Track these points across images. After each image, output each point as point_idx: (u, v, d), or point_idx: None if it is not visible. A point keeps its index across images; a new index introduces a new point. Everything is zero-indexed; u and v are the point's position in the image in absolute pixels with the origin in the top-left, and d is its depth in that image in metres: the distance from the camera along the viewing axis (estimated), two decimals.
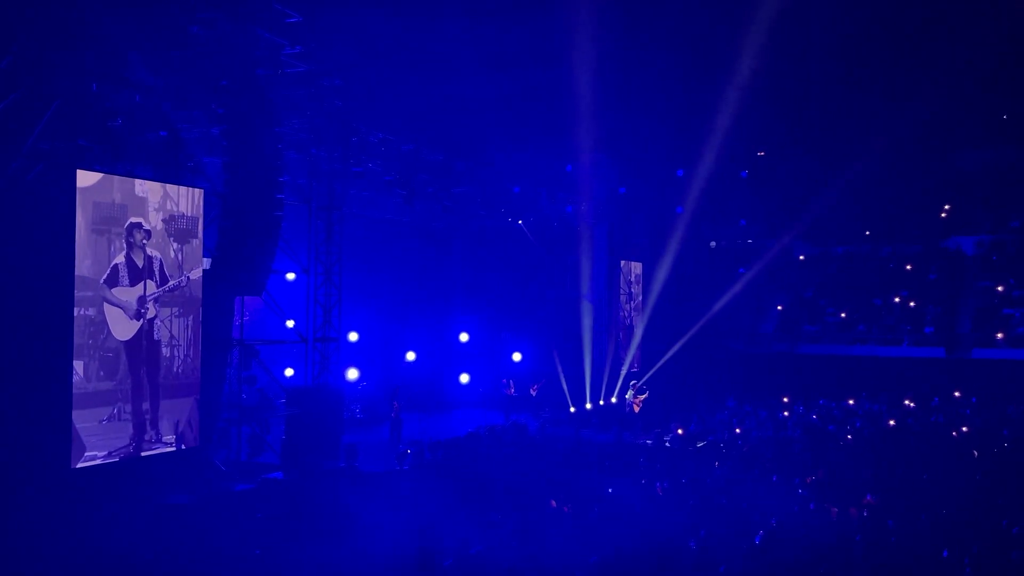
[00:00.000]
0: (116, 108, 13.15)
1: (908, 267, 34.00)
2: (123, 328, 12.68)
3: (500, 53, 23.46)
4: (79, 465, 12.01)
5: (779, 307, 33.67)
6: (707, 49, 27.28)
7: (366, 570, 11.43)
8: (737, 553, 11.58)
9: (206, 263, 14.34)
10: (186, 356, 13.81)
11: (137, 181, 12.99)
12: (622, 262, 29.08)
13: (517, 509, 13.82)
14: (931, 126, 31.15)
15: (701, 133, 28.80)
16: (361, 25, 18.90)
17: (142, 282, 12.96)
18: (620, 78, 26.81)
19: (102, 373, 12.36)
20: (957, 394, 26.83)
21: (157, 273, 13.23)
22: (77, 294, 11.95)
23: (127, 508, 12.24)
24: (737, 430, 22.12)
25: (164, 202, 13.36)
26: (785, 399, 26.51)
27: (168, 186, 13.49)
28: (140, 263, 12.93)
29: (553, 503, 14.26)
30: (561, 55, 24.47)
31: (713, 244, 32.65)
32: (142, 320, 12.98)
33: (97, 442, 12.27)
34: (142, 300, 12.96)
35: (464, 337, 28.87)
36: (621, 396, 26.74)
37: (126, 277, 12.69)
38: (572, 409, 25.92)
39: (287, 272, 19.77)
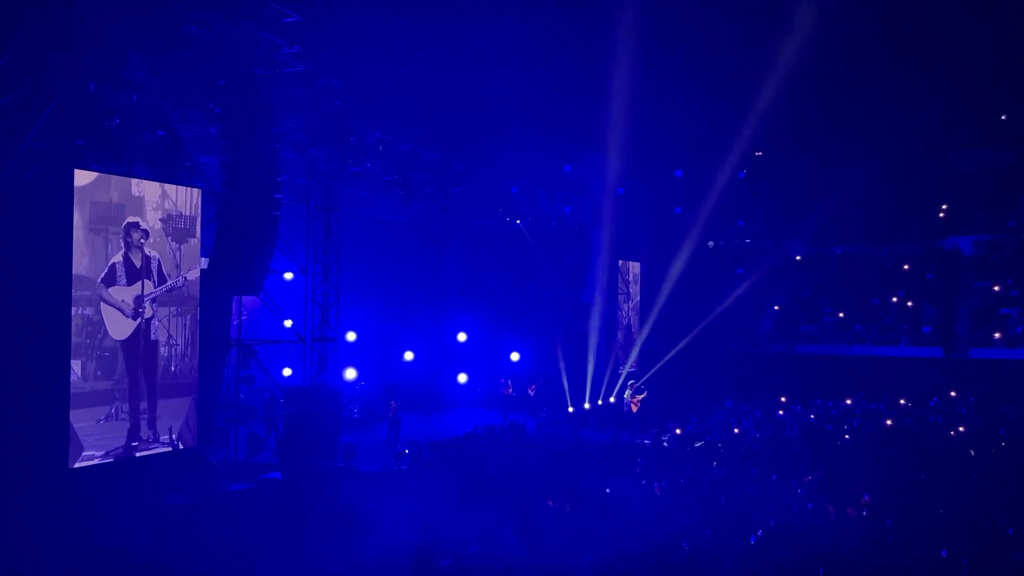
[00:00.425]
0: (114, 108, 13.13)
1: (906, 267, 34.04)
2: (120, 328, 12.67)
3: (499, 53, 23.45)
4: (77, 465, 12.00)
5: (776, 307, 33.69)
6: (706, 49, 27.26)
7: (364, 570, 11.43)
8: (734, 553, 11.58)
9: (204, 263, 14.33)
10: (184, 356, 13.79)
11: (134, 180, 12.98)
12: (620, 262, 29.09)
13: (515, 509, 13.82)
14: (929, 126, 31.15)
15: (700, 133, 28.84)
16: (359, 25, 18.88)
17: (140, 282, 12.95)
18: (618, 77, 26.81)
19: (99, 373, 12.35)
20: (953, 394, 26.87)
21: (155, 273, 13.22)
22: (75, 293, 11.94)
23: (125, 508, 12.22)
24: (735, 430, 22.13)
25: (162, 201, 13.35)
26: (783, 399, 26.53)
27: (166, 186, 13.47)
28: (138, 263, 12.92)
29: (551, 503, 14.26)
30: (560, 55, 24.49)
31: (711, 244, 32.65)
32: (139, 320, 12.97)
33: (95, 442, 12.25)
34: (139, 300, 12.95)
35: (462, 337, 28.86)
36: (619, 396, 26.75)
37: (123, 276, 12.67)
38: (571, 409, 25.92)
39: (285, 272, 19.78)
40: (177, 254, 13.62)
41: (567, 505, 14.20)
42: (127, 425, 12.76)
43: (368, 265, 24.89)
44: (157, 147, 14.49)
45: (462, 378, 27.77)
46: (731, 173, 30.68)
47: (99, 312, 12.32)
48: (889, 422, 23.31)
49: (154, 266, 13.20)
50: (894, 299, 32.71)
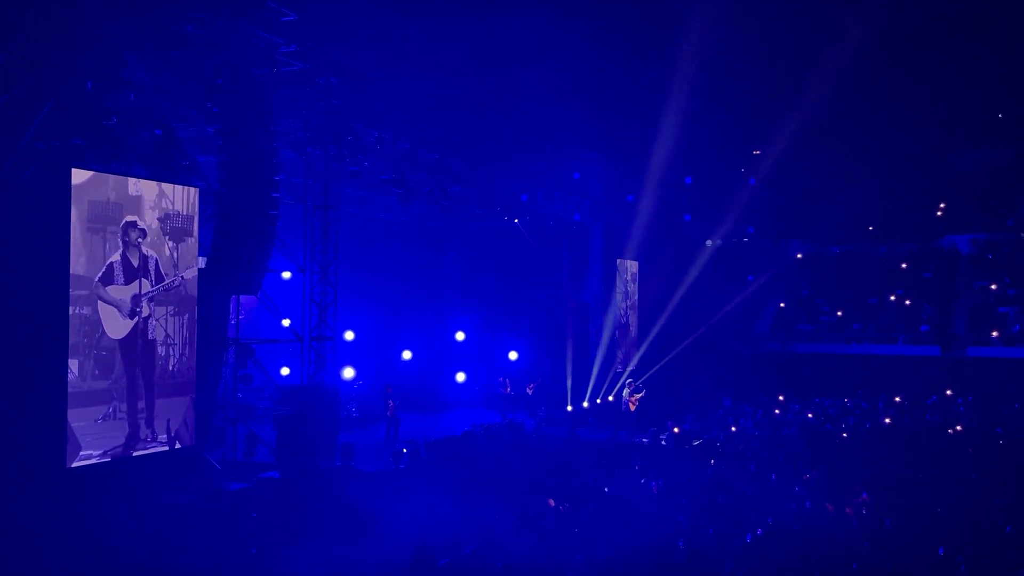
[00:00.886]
0: (111, 107, 13.12)
1: (904, 266, 34.08)
2: (117, 326, 12.66)
3: (498, 52, 23.44)
4: (74, 464, 11.99)
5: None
6: (704, 49, 27.28)
7: (363, 569, 11.43)
8: (733, 551, 11.60)
9: (201, 262, 14.32)
10: (181, 355, 13.79)
11: (132, 180, 12.97)
12: (618, 261, 29.09)
13: (513, 508, 13.83)
14: (928, 126, 31.22)
15: (698, 133, 28.82)
16: (357, 24, 18.87)
17: (137, 280, 12.94)
18: (617, 77, 26.82)
19: (97, 372, 12.34)
20: (949, 392, 26.92)
21: (152, 272, 13.21)
22: (72, 293, 11.93)
23: (122, 508, 12.22)
24: (733, 429, 22.15)
25: (159, 200, 13.34)
26: (781, 398, 26.55)
27: (163, 185, 13.47)
28: (135, 262, 12.91)
29: (551, 502, 14.27)
30: (559, 54, 24.47)
31: (709, 243, 32.66)
32: (137, 318, 12.96)
33: (92, 441, 12.24)
34: (137, 299, 12.94)
35: (460, 336, 28.86)
36: (618, 395, 26.77)
37: (121, 275, 12.66)
38: (569, 408, 25.93)
39: (283, 271, 19.74)
40: (175, 253, 13.61)
41: (565, 504, 14.20)
42: (125, 424, 12.75)
43: (366, 264, 24.87)
44: (155, 146, 14.44)
45: (460, 377, 27.78)
46: (730, 172, 30.74)
47: (96, 311, 12.31)
48: (888, 420, 23.35)
49: (151, 265, 13.19)
50: (892, 298, 32.73)
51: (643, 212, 29.69)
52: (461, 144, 22.52)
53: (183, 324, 13.80)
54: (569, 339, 28.09)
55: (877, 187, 32.34)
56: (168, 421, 13.46)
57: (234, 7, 14.18)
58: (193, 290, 13.96)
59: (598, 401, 26.93)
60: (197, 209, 14.03)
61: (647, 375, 27.53)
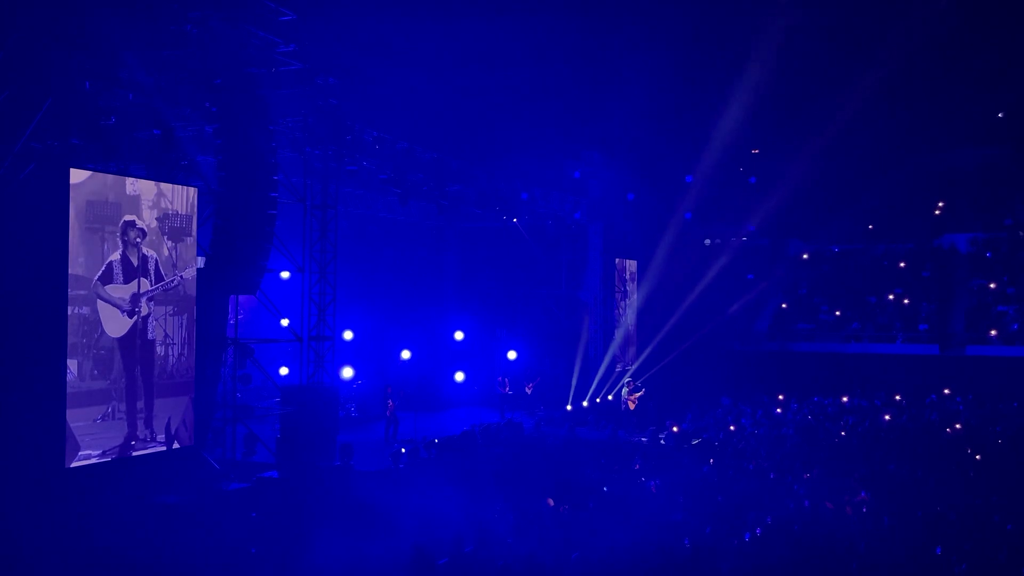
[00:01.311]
0: (109, 107, 13.12)
1: (902, 265, 34.10)
2: (116, 325, 12.65)
3: (496, 51, 23.45)
4: (73, 464, 11.98)
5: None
6: (703, 49, 27.30)
7: (362, 568, 11.42)
8: (732, 550, 11.60)
9: (200, 262, 14.30)
10: (180, 355, 13.78)
11: (130, 179, 12.96)
12: (617, 260, 29.09)
13: (512, 507, 13.83)
14: (926, 124, 31.23)
15: (697, 132, 28.85)
16: (355, 23, 18.87)
17: (136, 280, 12.93)
18: (616, 77, 26.83)
19: (96, 372, 12.33)
20: (947, 391, 26.94)
21: (152, 272, 13.20)
22: (71, 293, 11.92)
23: (122, 507, 12.21)
24: (732, 427, 22.15)
25: (158, 200, 13.33)
26: (780, 397, 26.56)
27: (162, 184, 13.46)
28: (135, 261, 12.90)
29: (550, 501, 14.27)
30: (558, 54, 24.49)
31: (707, 242, 32.68)
32: (135, 317, 12.95)
33: (91, 441, 12.24)
34: (136, 298, 12.93)
35: (459, 335, 28.83)
36: (616, 394, 26.76)
37: (120, 275, 12.66)
38: (568, 407, 25.93)
39: (282, 271, 19.72)
40: (173, 253, 13.60)
41: (564, 503, 14.20)
42: (124, 424, 12.74)
43: (365, 264, 24.86)
44: (153, 146, 14.47)
45: (459, 377, 27.73)
46: (729, 171, 30.72)
47: (95, 311, 12.30)
48: (887, 417, 23.37)
49: (151, 265, 13.18)
50: (890, 297, 32.76)
51: (642, 211, 29.71)
52: (460, 143, 22.52)
53: (182, 324, 13.79)
54: (568, 338, 28.09)
55: (876, 186, 32.35)
56: (167, 421, 13.45)
57: (232, 7, 14.17)
58: (192, 290, 13.95)
59: (597, 400, 26.93)
60: (196, 209, 14.02)
61: (646, 374, 27.53)
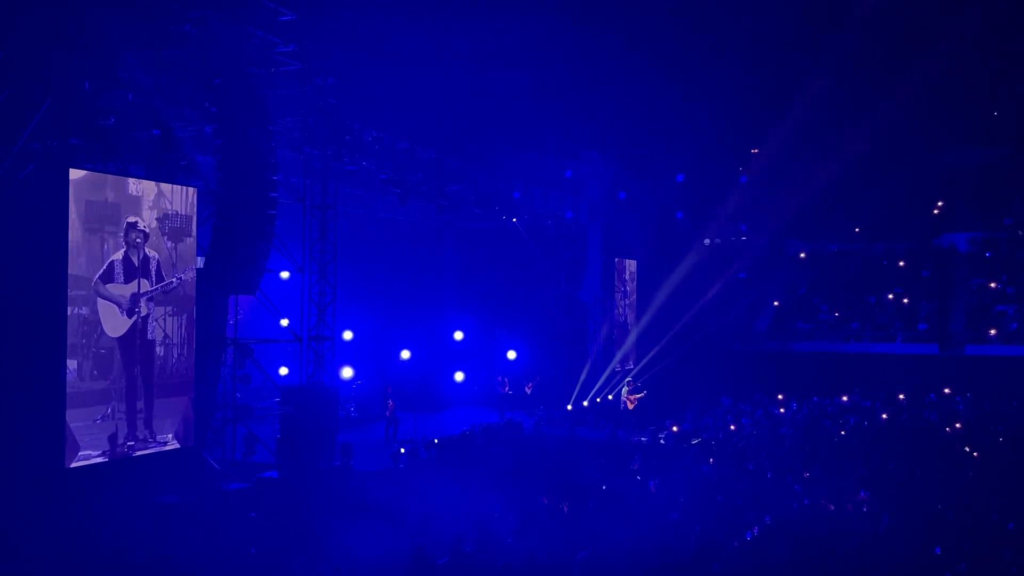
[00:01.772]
0: (109, 107, 13.13)
1: (901, 264, 34.10)
2: (115, 324, 12.64)
3: (496, 51, 23.44)
4: (73, 465, 11.98)
5: (776, 303, 33.72)
6: (702, 49, 27.28)
7: (361, 568, 11.42)
8: (732, 549, 11.60)
9: (200, 262, 14.30)
10: (180, 355, 13.78)
11: (130, 180, 12.96)
12: (616, 259, 29.09)
13: (512, 507, 13.83)
14: (925, 123, 31.20)
15: (696, 132, 28.83)
16: (354, 23, 18.88)
17: (136, 280, 12.93)
18: (615, 76, 26.83)
19: (96, 372, 12.33)
20: (947, 390, 26.94)
21: (153, 272, 13.20)
22: (71, 293, 11.92)
23: (122, 507, 12.21)
24: (732, 427, 22.16)
25: (158, 200, 13.33)
26: (780, 396, 26.56)
27: (162, 185, 13.45)
28: (136, 261, 12.90)
29: (545, 500, 14.27)
30: (558, 53, 24.47)
31: (707, 241, 32.66)
32: (135, 317, 12.95)
33: (91, 441, 12.24)
34: (136, 297, 12.93)
35: (459, 335, 28.85)
36: (616, 394, 26.76)
37: (121, 275, 12.66)
38: (568, 407, 25.93)
39: (281, 271, 19.73)
40: (173, 253, 13.60)
41: (564, 503, 14.20)
42: (124, 424, 12.74)
43: (365, 264, 24.86)
44: (152, 146, 14.47)
45: (459, 376, 27.76)
46: (728, 170, 30.71)
47: (95, 311, 12.30)
48: (885, 416, 23.37)
49: (152, 266, 13.18)
50: (890, 296, 32.76)
51: (641, 211, 29.72)
52: (459, 143, 22.53)
53: (182, 324, 13.79)
54: (568, 338, 28.08)
55: (875, 186, 32.33)
56: (167, 421, 13.45)
57: (232, 7, 14.17)
58: (192, 290, 13.95)
59: (597, 400, 26.93)
60: (195, 209, 14.02)
61: (646, 374, 27.52)
